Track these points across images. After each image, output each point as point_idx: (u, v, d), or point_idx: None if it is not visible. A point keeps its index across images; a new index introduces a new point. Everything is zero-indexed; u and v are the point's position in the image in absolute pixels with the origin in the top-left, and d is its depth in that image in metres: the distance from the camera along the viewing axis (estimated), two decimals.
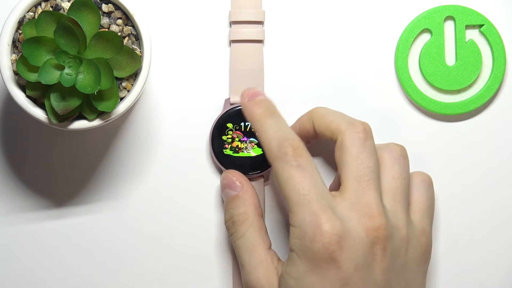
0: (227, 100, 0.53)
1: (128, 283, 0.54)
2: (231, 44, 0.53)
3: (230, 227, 0.49)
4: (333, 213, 0.44)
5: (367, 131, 0.47)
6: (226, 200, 0.50)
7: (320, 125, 0.49)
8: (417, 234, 0.47)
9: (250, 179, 0.53)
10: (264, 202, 0.54)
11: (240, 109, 0.52)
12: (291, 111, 0.54)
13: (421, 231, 0.48)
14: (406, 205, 0.47)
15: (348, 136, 0.47)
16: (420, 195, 0.49)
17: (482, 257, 0.55)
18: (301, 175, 0.44)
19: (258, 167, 0.53)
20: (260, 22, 0.53)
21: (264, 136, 0.46)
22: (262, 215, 0.50)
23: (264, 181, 0.53)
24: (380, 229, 0.44)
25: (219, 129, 0.53)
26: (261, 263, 0.47)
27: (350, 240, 0.43)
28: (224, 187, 0.50)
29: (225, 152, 0.52)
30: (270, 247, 0.48)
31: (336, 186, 0.48)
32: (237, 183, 0.50)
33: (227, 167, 0.53)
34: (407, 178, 0.48)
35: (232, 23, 0.53)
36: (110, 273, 0.54)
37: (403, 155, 0.49)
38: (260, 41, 0.53)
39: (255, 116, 0.47)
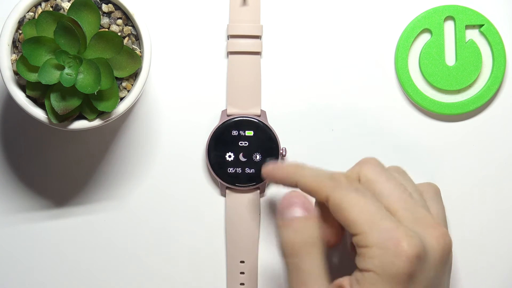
0: (224, 112, 0.53)
1: (128, 283, 0.54)
2: (229, 55, 0.53)
3: (296, 248, 0.45)
4: (408, 228, 0.44)
5: (377, 160, 0.48)
6: (294, 218, 0.46)
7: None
8: None
9: (246, 191, 0.53)
10: (259, 215, 0.54)
11: (236, 120, 0.53)
12: (290, 122, 0.54)
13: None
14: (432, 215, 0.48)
15: (367, 169, 0.47)
16: (437, 207, 0.50)
17: (482, 257, 0.55)
18: (364, 197, 0.44)
19: (254, 179, 0.53)
20: (258, 37, 0.53)
21: (309, 179, 0.46)
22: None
23: (260, 193, 0.54)
24: (446, 235, 0.45)
25: (215, 141, 0.53)
26: None
27: (427, 251, 0.44)
28: (290, 205, 0.47)
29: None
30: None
31: None
32: (304, 208, 0.47)
33: (224, 178, 0.53)
34: (420, 191, 0.49)
35: (230, 36, 0.53)
36: (110, 272, 0.54)
37: (405, 171, 0.49)
38: (258, 53, 0.53)
39: (290, 170, 0.47)
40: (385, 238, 0.43)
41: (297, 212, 0.46)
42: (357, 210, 0.44)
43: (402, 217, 0.45)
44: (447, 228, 0.49)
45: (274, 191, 0.54)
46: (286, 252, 0.46)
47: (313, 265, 0.45)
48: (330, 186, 0.45)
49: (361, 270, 0.44)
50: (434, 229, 0.45)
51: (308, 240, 0.45)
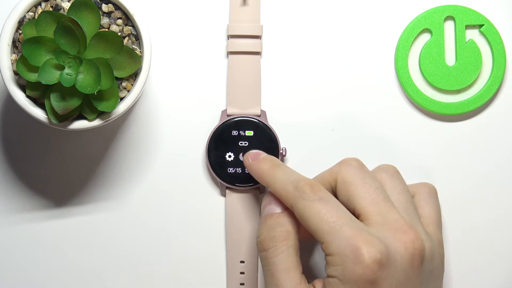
0: (224, 112, 0.53)
1: (128, 283, 0.54)
2: (229, 55, 0.53)
3: (267, 242, 0.47)
4: (369, 234, 0.44)
5: (358, 161, 0.48)
6: (268, 215, 0.48)
7: None
8: (436, 245, 0.48)
9: (246, 191, 0.53)
10: (259, 214, 0.54)
11: (236, 120, 0.53)
12: (290, 122, 0.54)
13: (438, 243, 0.49)
14: (418, 217, 0.48)
15: (344, 171, 0.48)
16: (430, 208, 0.50)
17: (483, 257, 0.55)
18: (326, 206, 0.45)
19: (253, 179, 0.53)
20: (258, 37, 0.53)
21: (278, 184, 0.47)
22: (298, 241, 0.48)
23: (260, 193, 0.54)
24: (416, 241, 0.45)
25: (215, 141, 0.53)
26: (298, 286, 0.46)
27: (391, 257, 0.44)
28: (269, 203, 0.49)
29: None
30: (302, 272, 0.47)
31: None
32: (282, 204, 0.49)
33: (224, 178, 0.53)
34: (409, 192, 0.49)
35: (230, 36, 0.53)
36: (110, 272, 0.54)
37: (396, 171, 0.50)
38: (258, 53, 0.53)
39: (263, 171, 0.49)
40: (345, 246, 0.44)
41: (272, 209, 0.48)
42: (318, 219, 0.45)
43: (372, 222, 0.45)
44: (439, 229, 0.49)
45: None
46: (259, 247, 0.47)
47: (282, 258, 0.46)
48: (294, 196, 0.46)
49: (328, 276, 0.45)
50: (403, 234, 0.45)
51: (277, 235, 0.47)
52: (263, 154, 0.50)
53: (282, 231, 0.47)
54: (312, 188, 0.46)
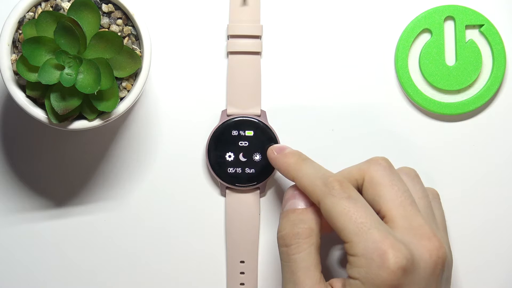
0: (224, 112, 0.53)
1: (128, 283, 0.54)
2: (229, 55, 0.53)
3: (290, 238, 0.46)
4: (395, 239, 0.43)
5: (387, 161, 0.48)
6: (291, 209, 0.47)
7: None
8: (449, 251, 0.48)
9: (246, 191, 0.53)
10: (259, 215, 0.54)
11: (236, 120, 0.53)
12: (290, 122, 0.54)
13: (448, 247, 0.48)
14: (437, 223, 0.48)
15: (373, 170, 0.47)
16: (437, 212, 0.50)
17: (483, 257, 0.55)
18: (355, 205, 0.44)
19: (254, 179, 0.53)
20: (258, 37, 0.53)
21: (305, 179, 0.47)
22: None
23: (260, 193, 0.54)
24: (440, 249, 0.45)
25: (215, 141, 0.53)
26: (318, 285, 0.45)
27: (415, 264, 0.43)
28: (292, 197, 0.48)
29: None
30: (321, 271, 0.47)
31: None
32: (306, 200, 0.48)
33: (224, 178, 0.53)
34: (428, 196, 0.49)
35: (230, 36, 0.53)
36: (110, 272, 0.54)
37: (417, 175, 0.49)
38: (258, 53, 0.53)
39: (290, 165, 0.48)
40: (371, 249, 0.43)
41: (296, 204, 0.47)
42: (346, 218, 0.44)
43: (397, 225, 0.45)
44: (446, 234, 0.49)
45: (274, 191, 0.54)
46: (280, 242, 0.47)
47: (304, 256, 0.46)
48: (323, 192, 0.45)
49: (349, 277, 0.44)
50: (428, 241, 0.45)
51: (301, 232, 0.46)
52: (288, 148, 0.50)
53: (306, 228, 0.46)
54: (341, 185, 0.45)
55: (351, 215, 0.44)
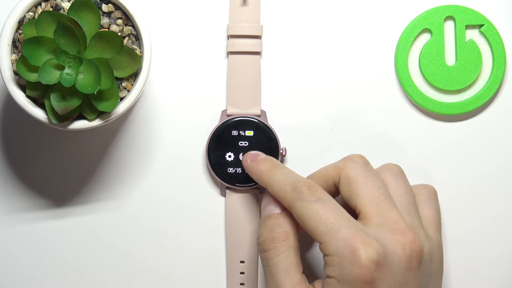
0: (224, 112, 0.53)
1: (128, 283, 0.54)
2: (229, 55, 0.53)
3: (267, 243, 0.47)
4: (366, 234, 0.44)
5: (363, 158, 0.48)
6: (267, 215, 0.48)
7: (316, 181, 0.49)
8: (435, 247, 0.48)
9: (246, 191, 0.53)
10: (259, 214, 0.54)
11: (236, 120, 0.53)
12: (290, 122, 0.54)
13: (437, 245, 0.48)
14: (420, 219, 0.48)
15: (349, 167, 0.48)
16: (430, 210, 0.50)
17: (482, 257, 0.55)
18: (323, 207, 0.45)
19: (253, 179, 0.53)
20: (258, 37, 0.53)
21: (276, 185, 0.47)
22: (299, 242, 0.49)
23: (260, 193, 0.54)
24: (414, 242, 0.45)
25: (215, 141, 0.53)
26: (299, 285, 0.46)
27: (388, 258, 0.44)
28: (268, 204, 0.49)
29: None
30: (302, 272, 0.48)
31: None
32: (281, 205, 0.49)
33: (224, 178, 0.53)
34: (412, 193, 0.49)
35: (230, 36, 0.53)
36: (110, 272, 0.54)
37: (401, 171, 0.50)
38: (258, 53, 0.53)
39: (262, 172, 0.49)
40: (342, 247, 0.44)
41: (271, 210, 0.48)
42: (316, 220, 0.45)
43: (371, 221, 0.46)
44: (439, 231, 0.49)
45: None
46: (259, 248, 0.48)
47: (282, 259, 0.46)
48: (292, 197, 0.46)
49: (326, 276, 0.45)
50: (401, 235, 0.45)
51: (277, 236, 0.47)
52: (261, 155, 0.51)
53: (282, 231, 0.47)
54: (309, 189, 0.46)
55: (320, 216, 0.45)
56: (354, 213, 0.47)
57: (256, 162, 0.50)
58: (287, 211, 0.48)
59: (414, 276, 0.45)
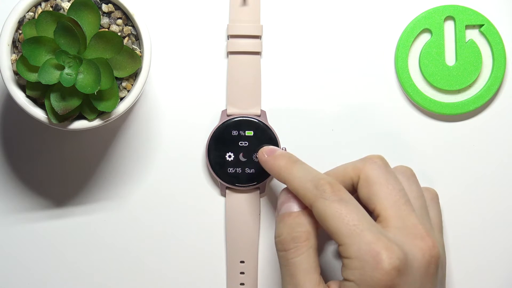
0: (224, 112, 0.53)
1: (128, 283, 0.54)
2: (229, 55, 0.53)
3: (288, 242, 0.46)
4: (388, 240, 0.44)
5: (383, 159, 0.48)
6: (286, 213, 0.47)
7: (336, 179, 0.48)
8: (443, 251, 0.48)
9: (246, 191, 0.53)
10: (259, 214, 0.54)
11: (236, 120, 0.53)
12: (290, 122, 0.54)
13: (442, 247, 0.48)
14: (431, 223, 0.48)
15: (369, 168, 0.47)
16: (433, 213, 0.50)
17: (482, 257, 0.55)
18: (346, 208, 0.44)
19: (254, 179, 0.53)
20: (258, 37, 0.53)
21: (296, 182, 0.47)
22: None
23: (260, 193, 0.54)
24: (433, 248, 0.45)
25: (215, 141, 0.53)
26: (317, 287, 0.45)
27: (408, 264, 0.44)
28: (287, 200, 0.48)
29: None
30: (320, 273, 0.47)
31: None
32: (300, 202, 0.48)
33: (224, 178, 0.53)
34: (423, 196, 0.49)
35: (230, 36, 0.53)
36: (110, 272, 0.54)
37: (413, 174, 0.49)
38: (258, 53, 0.53)
39: (281, 167, 0.48)
40: (364, 251, 0.43)
41: (291, 207, 0.47)
42: (339, 221, 0.44)
43: (391, 225, 0.45)
44: (442, 235, 0.49)
45: (274, 191, 0.54)
46: (278, 246, 0.47)
47: (302, 259, 0.46)
48: (314, 195, 0.45)
49: (344, 279, 0.44)
50: (421, 241, 0.45)
51: (297, 235, 0.46)
52: (279, 150, 0.50)
53: (303, 231, 0.46)
54: (332, 188, 0.45)
55: (343, 217, 0.44)
56: (371, 215, 0.46)
57: (273, 157, 0.49)
58: (307, 209, 0.47)
59: (430, 282, 0.45)
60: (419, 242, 0.45)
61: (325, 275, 0.54)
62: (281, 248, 0.46)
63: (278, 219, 0.48)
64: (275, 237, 0.47)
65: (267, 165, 0.49)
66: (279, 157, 0.49)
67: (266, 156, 0.50)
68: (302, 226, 0.46)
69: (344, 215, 0.44)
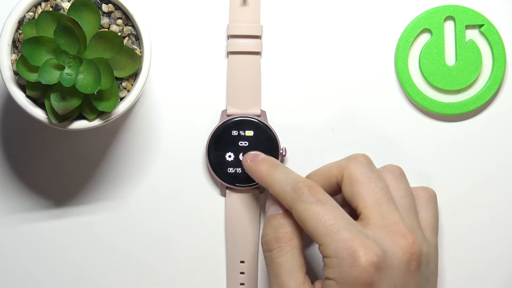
0: (224, 112, 0.53)
1: (128, 283, 0.54)
2: (229, 55, 0.53)
3: (272, 242, 0.47)
4: (366, 237, 0.44)
5: (367, 157, 0.48)
6: (272, 215, 0.48)
7: (317, 180, 0.49)
8: (432, 250, 0.48)
9: (246, 191, 0.53)
10: (259, 214, 0.54)
11: (236, 120, 0.53)
12: (290, 122, 0.54)
13: (434, 247, 0.49)
14: (418, 222, 0.48)
15: (352, 167, 0.48)
16: (428, 213, 0.50)
17: (482, 257, 0.55)
18: (323, 208, 0.45)
19: (253, 179, 0.53)
20: (258, 37, 0.53)
21: (277, 186, 0.47)
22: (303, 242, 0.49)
23: (260, 193, 0.54)
24: (414, 245, 0.45)
25: (215, 141, 0.53)
26: (302, 286, 0.46)
27: (387, 261, 0.44)
28: (273, 203, 0.49)
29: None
30: (306, 272, 0.47)
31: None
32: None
33: (224, 178, 0.53)
34: (412, 195, 0.49)
35: (230, 36, 0.53)
36: (110, 272, 0.54)
37: (402, 173, 0.50)
38: (258, 53, 0.53)
39: (262, 172, 0.49)
40: (342, 249, 0.44)
41: (277, 209, 0.48)
42: (316, 222, 0.45)
43: (372, 223, 0.46)
44: (435, 235, 0.49)
45: None
46: (263, 247, 0.48)
47: (286, 259, 0.46)
48: (292, 198, 0.46)
49: (326, 278, 0.45)
50: (402, 238, 0.45)
51: (281, 235, 0.47)
52: (261, 155, 0.50)
53: (287, 232, 0.47)
54: (310, 190, 0.46)
55: (320, 217, 0.45)
56: (355, 212, 0.47)
57: (256, 162, 0.50)
58: (289, 213, 0.47)
59: (413, 279, 0.45)
60: (399, 240, 0.45)
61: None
62: (266, 249, 0.47)
63: (265, 222, 0.49)
64: (261, 238, 0.48)
65: (250, 171, 0.50)
66: (261, 162, 0.50)
67: (249, 162, 0.50)
68: (285, 227, 0.47)
69: (321, 215, 0.45)
